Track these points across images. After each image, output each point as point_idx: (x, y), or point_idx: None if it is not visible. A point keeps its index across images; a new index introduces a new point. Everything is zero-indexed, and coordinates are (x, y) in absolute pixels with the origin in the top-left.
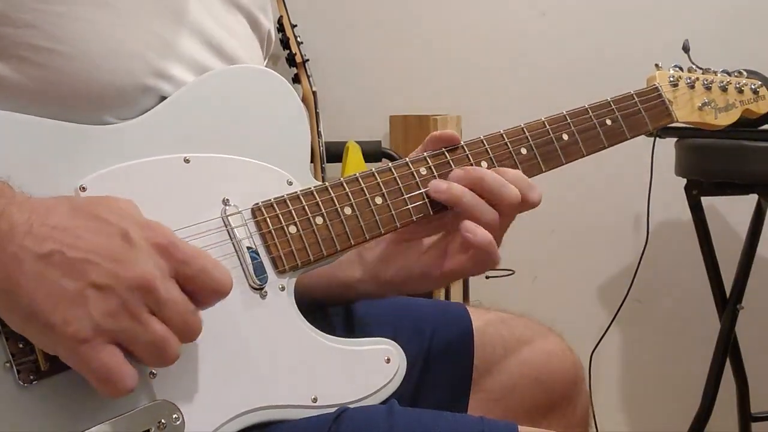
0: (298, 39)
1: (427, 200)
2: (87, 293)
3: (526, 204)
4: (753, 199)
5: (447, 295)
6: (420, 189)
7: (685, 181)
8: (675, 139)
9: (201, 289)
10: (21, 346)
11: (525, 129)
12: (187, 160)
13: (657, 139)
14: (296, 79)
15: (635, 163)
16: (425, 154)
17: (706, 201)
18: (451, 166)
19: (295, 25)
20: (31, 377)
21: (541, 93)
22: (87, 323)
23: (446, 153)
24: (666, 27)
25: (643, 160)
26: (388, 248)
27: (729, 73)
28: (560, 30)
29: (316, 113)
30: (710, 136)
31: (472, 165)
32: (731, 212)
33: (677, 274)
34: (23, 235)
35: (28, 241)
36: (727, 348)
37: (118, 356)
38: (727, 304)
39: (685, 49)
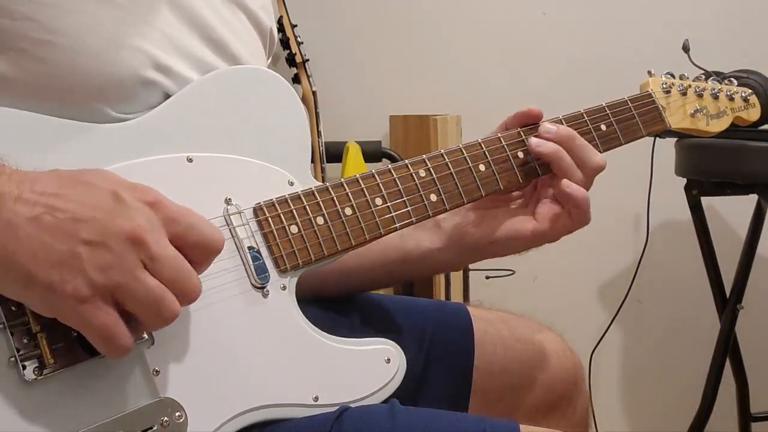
0: (298, 39)
1: (425, 202)
2: (80, 251)
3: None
4: (753, 199)
5: (447, 295)
6: (419, 191)
7: (685, 181)
8: (675, 139)
9: (192, 246)
10: (26, 341)
11: (522, 132)
12: (190, 159)
13: (657, 139)
14: (296, 79)
15: (635, 163)
16: (425, 156)
17: (706, 201)
18: (449, 168)
19: (295, 25)
20: (36, 373)
21: (541, 93)
22: (83, 281)
23: (444, 155)
24: (666, 27)
25: (643, 160)
26: (469, 215)
27: (720, 81)
28: (560, 30)
29: (316, 113)
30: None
31: (470, 167)
32: (731, 212)
33: (677, 274)
34: (14, 202)
35: (19, 206)
36: (727, 348)
37: (115, 315)
38: (727, 304)
39: (685, 49)
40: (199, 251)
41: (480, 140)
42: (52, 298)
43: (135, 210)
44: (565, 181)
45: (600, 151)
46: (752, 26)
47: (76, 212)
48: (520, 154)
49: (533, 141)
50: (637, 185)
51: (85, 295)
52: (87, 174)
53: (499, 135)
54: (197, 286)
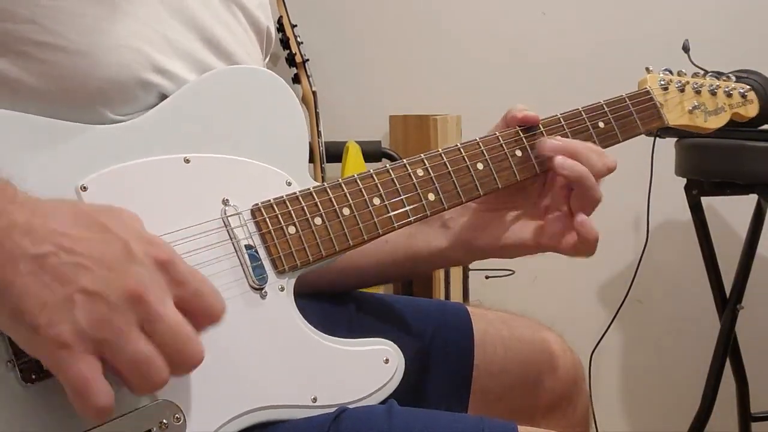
0: (298, 39)
1: (423, 202)
2: (75, 298)
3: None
4: (753, 199)
5: (447, 295)
6: (417, 190)
7: (685, 181)
8: (675, 139)
9: (194, 312)
10: None
11: (520, 131)
12: (187, 160)
13: (657, 139)
14: (296, 79)
15: (635, 163)
16: (423, 155)
17: (706, 201)
18: (447, 168)
19: (295, 25)
20: (33, 376)
21: (541, 93)
22: (69, 327)
23: (442, 154)
24: (666, 27)
25: (643, 160)
26: (477, 217)
27: (718, 77)
28: (560, 30)
29: (316, 113)
30: (710, 136)
31: (467, 165)
32: (731, 212)
33: (677, 274)
34: (22, 235)
35: (26, 241)
36: (727, 348)
37: (96, 370)
38: (727, 304)
39: (685, 49)
40: (199, 318)
41: (478, 139)
42: (34, 338)
43: (143, 267)
44: (579, 220)
45: None
46: (752, 26)
47: (81, 258)
48: (518, 153)
49: (558, 161)
50: (637, 185)
51: (65, 341)
52: (104, 215)
53: (497, 134)
54: (198, 350)
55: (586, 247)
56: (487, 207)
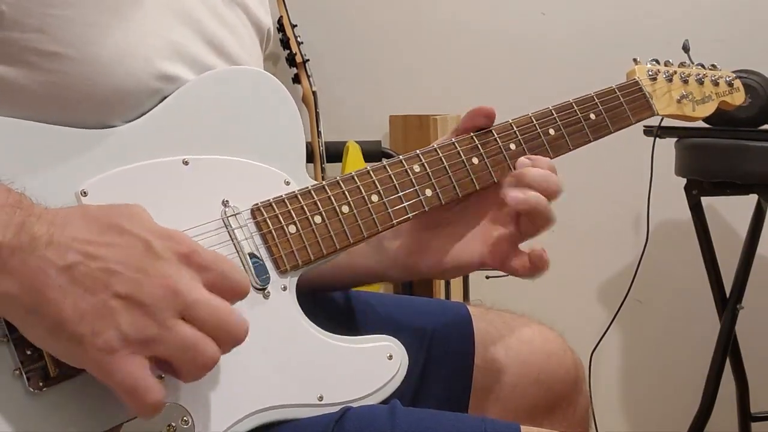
0: (298, 39)
1: (421, 197)
2: (112, 303)
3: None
4: (753, 199)
5: (447, 295)
6: (414, 186)
7: (685, 181)
8: (675, 139)
9: (222, 292)
10: (29, 353)
11: (513, 125)
12: (185, 162)
13: (657, 139)
14: (296, 79)
15: (635, 163)
16: (418, 151)
17: (706, 201)
18: (443, 162)
19: (295, 25)
20: (41, 384)
21: (541, 93)
22: (114, 334)
23: (437, 149)
24: (666, 27)
25: (643, 160)
26: (414, 239)
27: (704, 66)
28: (560, 30)
29: (316, 113)
30: (710, 136)
31: (463, 160)
32: (731, 212)
33: (677, 274)
34: (45, 247)
35: (50, 252)
36: (727, 348)
37: (144, 368)
38: (727, 304)
39: (685, 49)
40: (228, 296)
41: (473, 133)
42: (79, 349)
43: (168, 263)
44: (537, 254)
45: (590, 140)
46: (752, 26)
47: (108, 263)
48: (512, 146)
49: (511, 197)
50: (637, 185)
51: (113, 347)
52: (116, 216)
53: (492, 128)
54: (241, 321)
55: (534, 273)
56: (423, 225)
